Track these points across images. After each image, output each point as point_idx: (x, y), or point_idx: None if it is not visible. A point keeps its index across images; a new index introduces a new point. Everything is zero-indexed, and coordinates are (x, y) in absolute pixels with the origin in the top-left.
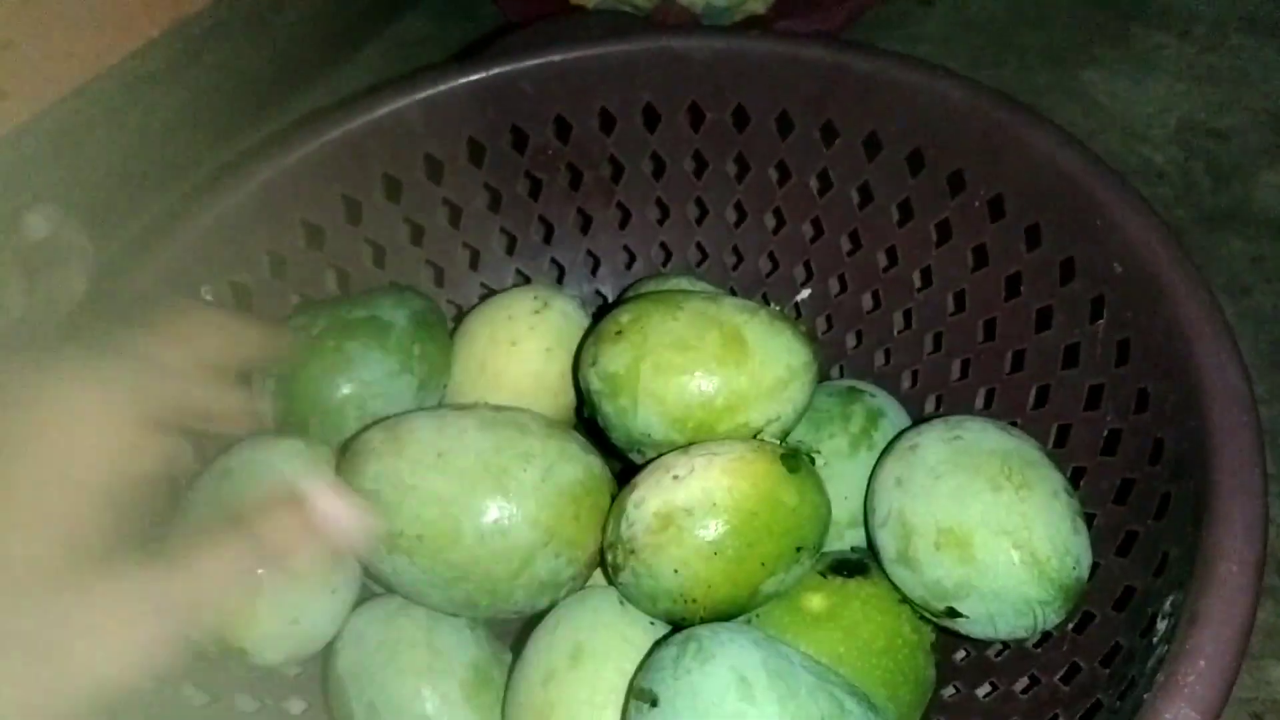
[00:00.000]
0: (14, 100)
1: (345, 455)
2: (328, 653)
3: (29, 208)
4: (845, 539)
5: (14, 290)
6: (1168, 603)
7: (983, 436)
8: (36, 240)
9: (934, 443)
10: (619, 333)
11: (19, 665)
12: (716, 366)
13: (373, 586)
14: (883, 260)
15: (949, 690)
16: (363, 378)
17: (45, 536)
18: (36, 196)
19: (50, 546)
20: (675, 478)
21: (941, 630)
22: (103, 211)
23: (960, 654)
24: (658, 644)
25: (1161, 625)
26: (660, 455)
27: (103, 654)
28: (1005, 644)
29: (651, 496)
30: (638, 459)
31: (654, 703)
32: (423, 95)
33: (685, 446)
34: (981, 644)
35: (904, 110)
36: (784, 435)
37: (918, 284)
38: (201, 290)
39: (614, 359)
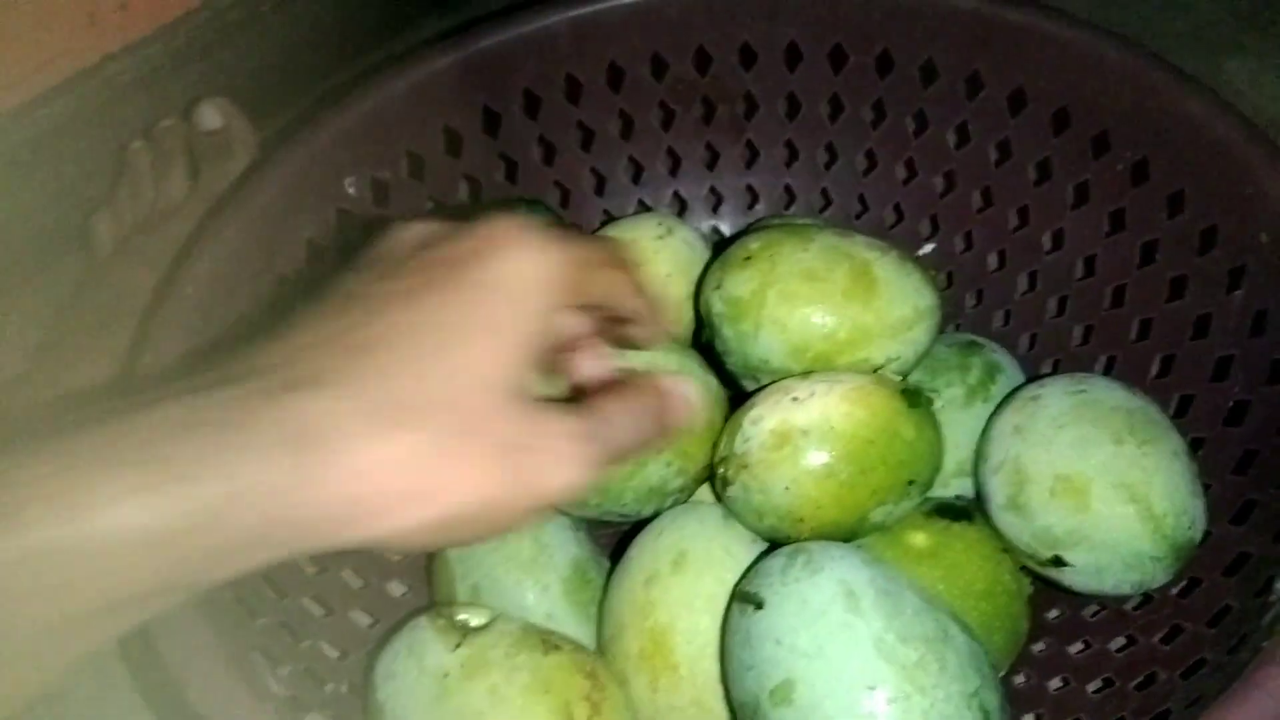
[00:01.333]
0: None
1: None
2: None
3: (203, 99)
4: (951, 488)
5: (177, 176)
6: None
7: (1108, 393)
8: (209, 130)
9: (1058, 395)
10: (748, 259)
11: (503, 466)
12: (843, 300)
13: None
14: (1014, 220)
15: (1039, 646)
16: None
17: (497, 350)
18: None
19: (505, 366)
20: (795, 399)
21: (1045, 583)
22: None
23: (1053, 612)
24: (764, 554)
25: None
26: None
27: (554, 464)
28: (1102, 605)
29: (769, 415)
30: (750, 385)
31: (759, 605)
32: (571, 15)
33: (805, 374)
34: (1078, 603)
35: (1054, 66)
36: (903, 377)
37: (1048, 246)
38: (345, 182)
39: (741, 284)
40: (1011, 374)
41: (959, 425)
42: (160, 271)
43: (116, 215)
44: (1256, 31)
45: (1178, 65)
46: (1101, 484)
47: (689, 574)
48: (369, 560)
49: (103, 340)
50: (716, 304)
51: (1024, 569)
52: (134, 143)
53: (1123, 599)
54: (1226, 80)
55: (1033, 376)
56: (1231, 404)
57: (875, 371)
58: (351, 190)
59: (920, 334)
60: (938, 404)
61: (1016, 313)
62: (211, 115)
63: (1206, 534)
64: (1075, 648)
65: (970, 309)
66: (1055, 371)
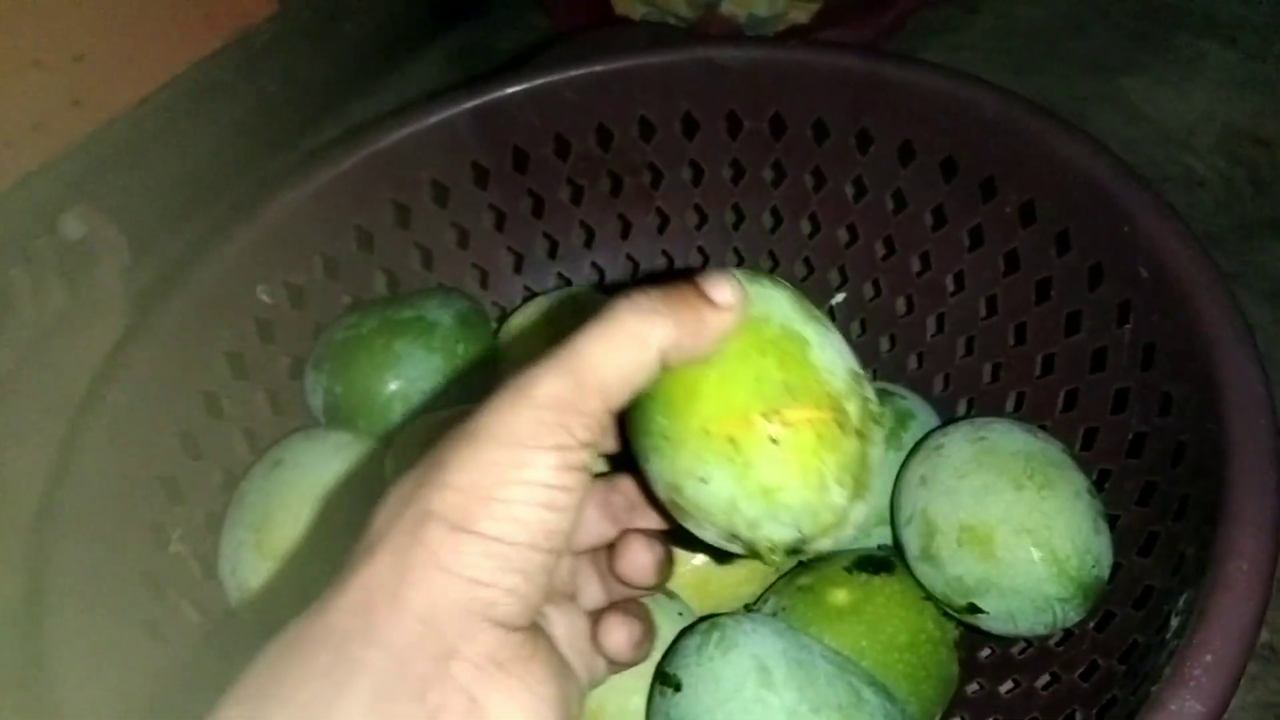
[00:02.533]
0: (86, 108)
1: (391, 446)
2: None
3: (65, 210)
4: (873, 537)
5: (55, 288)
6: (1181, 600)
7: (1007, 437)
8: (73, 240)
9: (959, 443)
10: None
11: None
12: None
13: None
14: (916, 265)
15: (973, 686)
16: (409, 375)
17: None
18: (101, 200)
19: None
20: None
21: (967, 628)
22: (169, 215)
23: (985, 651)
24: (683, 632)
25: (1174, 622)
26: None
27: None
28: (1028, 642)
29: None
30: None
31: (677, 687)
32: (471, 105)
33: None
34: (1005, 642)
35: (937, 118)
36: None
37: (950, 289)
38: (258, 289)
39: None
40: (923, 419)
41: None
42: (48, 396)
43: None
44: (1150, 51)
45: (1053, 109)
46: (1004, 531)
47: None
48: None
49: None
50: None
51: (946, 615)
52: (10, 270)
53: (1047, 635)
54: (1125, 98)
55: (948, 418)
56: (1131, 436)
57: None
58: (265, 298)
59: None
60: None
61: (929, 355)
62: (74, 225)
63: (1118, 565)
64: (1005, 687)
65: (885, 353)
66: (970, 410)
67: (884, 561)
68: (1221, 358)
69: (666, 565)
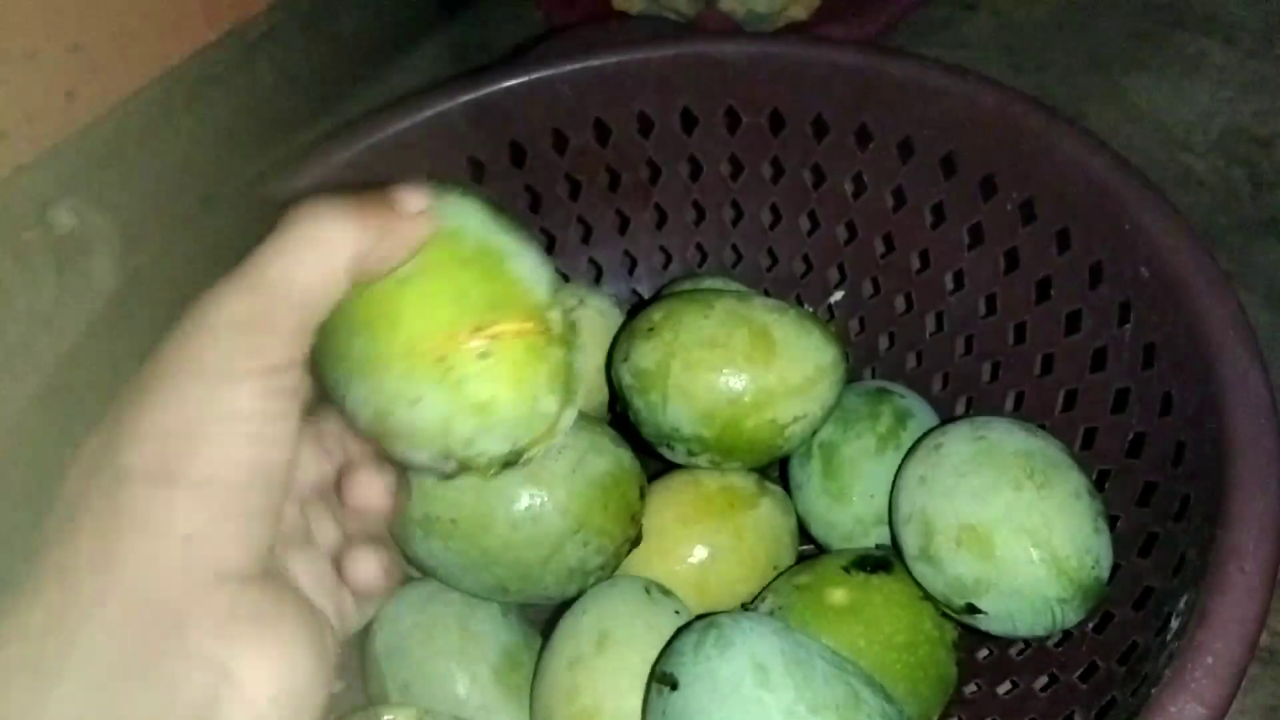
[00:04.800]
0: (81, 100)
1: None
2: (365, 633)
3: (55, 201)
4: (871, 536)
5: (46, 279)
6: (1182, 602)
7: (1007, 437)
8: (63, 232)
9: (958, 442)
10: (651, 330)
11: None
12: (744, 364)
13: (410, 571)
14: (916, 263)
15: (971, 687)
16: None
17: None
18: (98, 193)
19: None
20: None
21: (965, 628)
22: (163, 207)
23: (983, 652)
24: (679, 631)
25: (1175, 624)
26: (693, 455)
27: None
28: (1027, 642)
29: None
30: (668, 454)
31: (674, 686)
32: (467, 99)
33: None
34: (1004, 642)
35: (937, 115)
36: (812, 432)
37: (950, 287)
38: None
39: (646, 355)
40: (921, 418)
41: (872, 475)
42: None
43: None
44: (1150, 49)
45: (1053, 106)
46: (1004, 531)
47: (612, 654)
48: None
49: None
50: (625, 376)
51: (945, 615)
52: (2, 262)
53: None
54: (1125, 97)
55: (947, 418)
56: (1131, 436)
57: (784, 431)
58: None
59: (824, 390)
60: (848, 459)
61: (928, 353)
62: (64, 216)
63: (1117, 566)
64: (1003, 688)
65: (884, 351)
66: (969, 409)
67: (883, 561)
68: (1222, 358)
69: (402, 485)
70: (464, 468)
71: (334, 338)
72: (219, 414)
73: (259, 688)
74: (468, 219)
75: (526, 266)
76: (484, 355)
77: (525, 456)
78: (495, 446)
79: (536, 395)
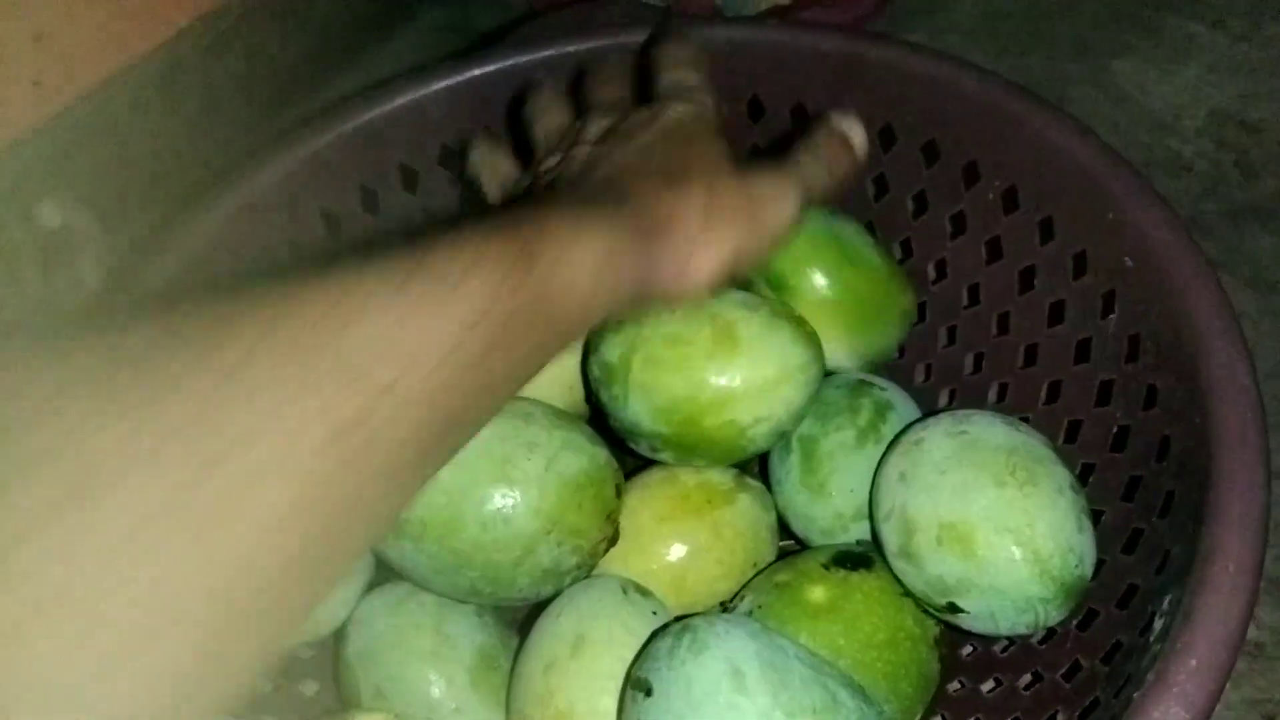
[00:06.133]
0: (47, 89)
1: None
2: (338, 636)
3: (41, 198)
4: (851, 532)
5: (31, 277)
6: (1166, 601)
7: (989, 432)
8: (49, 230)
9: (939, 437)
10: (617, 322)
11: None
12: (704, 362)
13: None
14: (898, 252)
15: (954, 685)
16: None
17: None
18: (68, 185)
19: None
20: None
21: (948, 626)
22: (134, 198)
23: (967, 649)
24: (655, 634)
25: (1158, 623)
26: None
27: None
28: (1011, 640)
29: None
30: (636, 449)
31: (649, 692)
32: (440, 85)
33: None
34: (988, 640)
35: (918, 101)
36: (780, 435)
37: (932, 276)
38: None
39: (611, 349)
40: (902, 410)
41: (852, 469)
42: None
43: None
44: (1137, 32)
45: (1048, 90)
46: (986, 529)
47: (588, 656)
48: (279, 662)
49: None
50: (593, 369)
51: (926, 612)
52: None
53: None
54: (1112, 81)
55: (929, 410)
56: (1115, 429)
57: (745, 434)
58: None
59: (790, 392)
60: (827, 453)
61: (910, 345)
62: (50, 213)
63: (1101, 563)
64: (987, 685)
65: None
66: (952, 401)
67: (863, 557)
68: (1207, 350)
69: None
70: None
71: None
72: None
73: None
74: None
75: None
76: None
77: None
78: None
79: None
